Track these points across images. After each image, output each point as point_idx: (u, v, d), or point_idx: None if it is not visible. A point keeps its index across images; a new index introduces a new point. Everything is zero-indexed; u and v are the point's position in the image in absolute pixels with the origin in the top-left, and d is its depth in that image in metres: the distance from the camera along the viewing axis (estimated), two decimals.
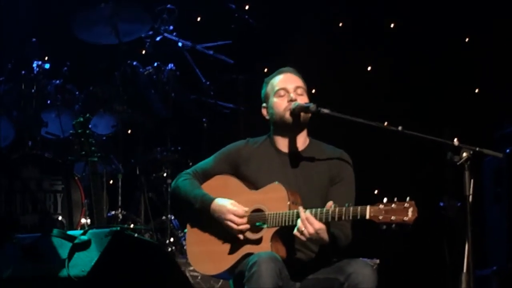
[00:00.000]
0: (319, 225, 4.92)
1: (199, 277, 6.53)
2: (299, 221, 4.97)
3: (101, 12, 7.89)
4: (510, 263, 6.76)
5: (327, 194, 5.19)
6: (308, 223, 4.92)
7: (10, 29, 8.31)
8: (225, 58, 8.23)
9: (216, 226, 5.26)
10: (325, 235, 5.01)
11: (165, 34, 8.10)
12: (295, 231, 4.96)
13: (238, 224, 5.14)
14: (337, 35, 9.09)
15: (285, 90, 5.38)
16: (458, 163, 4.99)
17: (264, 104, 5.46)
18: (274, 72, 5.49)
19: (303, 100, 5.36)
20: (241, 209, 5.18)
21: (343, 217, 4.94)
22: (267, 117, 5.46)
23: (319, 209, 4.95)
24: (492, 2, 8.91)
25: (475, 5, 8.85)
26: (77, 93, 7.99)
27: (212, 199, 5.22)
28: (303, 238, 4.96)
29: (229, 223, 5.15)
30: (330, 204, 4.95)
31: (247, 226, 5.15)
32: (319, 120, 5.39)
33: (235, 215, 5.14)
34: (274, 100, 5.39)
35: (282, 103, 5.35)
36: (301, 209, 4.97)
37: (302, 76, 5.48)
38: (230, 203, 5.18)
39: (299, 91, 5.39)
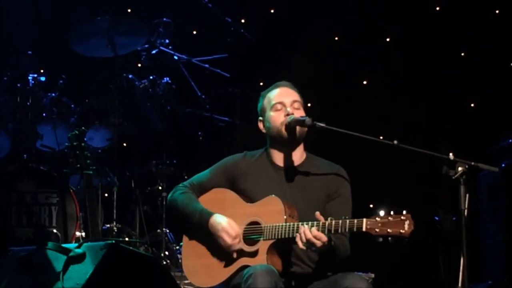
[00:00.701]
0: (325, 239, 4.94)
1: None
2: (298, 235, 5.00)
3: (97, 25, 7.89)
4: (506, 277, 6.76)
5: (324, 209, 5.19)
6: (317, 240, 4.94)
7: (5, 42, 8.31)
8: (221, 72, 8.23)
9: (213, 239, 5.27)
10: (329, 248, 5.04)
11: (161, 47, 8.11)
12: (301, 245, 4.97)
13: (230, 245, 5.15)
14: (333, 49, 9.10)
15: (282, 104, 5.38)
16: (453, 177, 5.00)
17: (260, 118, 5.47)
18: (270, 86, 5.50)
19: (299, 114, 5.37)
20: (234, 230, 5.18)
21: (339, 230, 4.95)
22: (264, 131, 5.46)
23: (315, 222, 4.96)
24: (487, 19, 8.94)
25: (470, 22, 8.88)
26: (72, 106, 7.99)
27: (210, 215, 5.23)
28: (309, 251, 5.00)
29: (222, 242, 5.17)
30: (318, 215, 4.97)
31: (240, 245, 5.16)
32: (316, 135, 5.40)
33: (228, 234, 5.15)
34: (271, 114, 5.39)
35: (278, 117, 5.36)
36: (304, 226, 4.98)
37: (298, 90, 5.49)
38: (226, 222, 5.19)
39: (296, 105, 5.40)
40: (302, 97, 5.48)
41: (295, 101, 5.42)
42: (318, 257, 5.20)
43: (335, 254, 5.15)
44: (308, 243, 4.94)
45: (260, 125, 5.47)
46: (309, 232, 4.94)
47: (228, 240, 5.14)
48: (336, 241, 5.13)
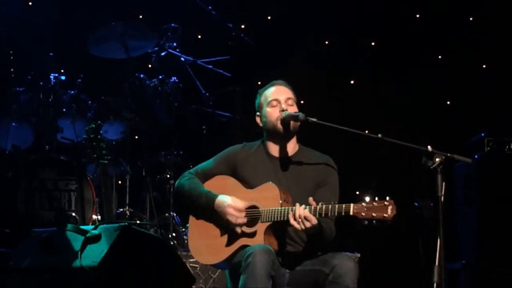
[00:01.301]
0: (315, 221, 4.96)
1: (198, 268, 6.52)
2: (291, 213, 5.01)
3: (112, 30, 7.88)
4: (478, 257, 6.76)
5: (314, 195, 5.19)
6: (306, 220, 4.95)
7: (29, 45, 8.30)
8: (223, 72, 8.23)
9: (216, 220, 5.28)
10: (317, 229, 5.05)
11: (169, 50, 8.11)
12: (293, 221, 4.99)
13: (236, 217, 5.16)
14: (324, 52, 9.10)
15: (277, 101, 5.40)
16: (431, 167, 4.99)
17: (258, 113, 5.49)
18: (267, 85, 5.51)
19: (293, 110, 5.39)
20: (240, 204, 5.19)
21: (329, 213, 4.96)
22: (261, 125, 5.48)
23: (308, 206, 4.97)
24: (462, 26, 8.94)
25: (447, 28, 8.88)
26: (89, 102, 7.99)
27: (216, 196, 5.24)
28: (298, 227, 5.00)
29: (229, 216, 5.17)
30: (311, 200, 4.99)
31: (245, 219, 5.17)
32: (307, 128, 5.40)
33: (234, 209, 5.16)
34: (267, 109, 5.41)
35: (274, 113, 5.38)
36: (298, 206, 4.99)
37: (292, 88, 5.50)
38: (230, 199, 5.20)
39: (290, 102, 5.41)
40: (295, 94, 5.49)
41: (289, 98, 5.43)
42: (307, 237, 5.22)
43: (323, 236, 5.17)
44: (300, 222, 4.96)
45: (258, 119, 5.49)
46: (303, 211, 4.95)
47: (235, 213, 5.15)
48: (324, 224, 5.14)
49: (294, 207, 5.02)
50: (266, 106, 5.42)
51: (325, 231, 5.17)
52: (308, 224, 4.96)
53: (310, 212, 4.97)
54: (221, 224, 5.25)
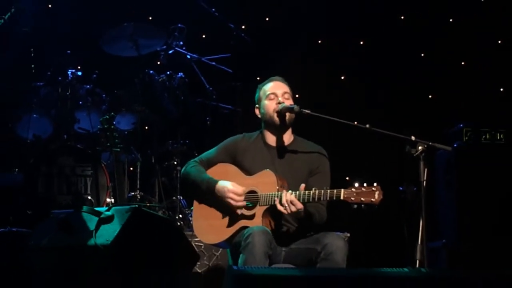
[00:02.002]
0: (300, 206, 4.95)
1: (202, 246, 6.51)
2: (283, 198, 5.00)
3: (124, 30, 7.86)
4: (457, 236, 6.76)
5: (308, 181, 5.19)
6: (292, 204, 4.95)
7: (49, 43, 8.28)
8: (225, 68, 8.21)
9: (218, 204, 5.28)
10: (302, 213, 5.05)
11: (176, 48, 8.08)
12: (280, 207, 4.98)
13: (236, 201, 5.16)
14: (317, 51, 9.09)
15: (275, 94, 5.41)
16: (414, 155, 5.00)
17: (257, 105, 5.50)
18: (266, 80, 5.52)
19: (289, 102, 5.41)
20: (239, 188, 5.19)
21: (322, 198, 4.96)
22: (259, 116, 5.49)
23: (301, 192, 4.97)
24: (442, 26, 8.94)
25: (428, 28, 8.87)
26: (103, 96, 7.97)
27: (216, 182, 5.24)
28: (285, 212, 4.99)
29: (229, 200, 5.17)
30: (302, 186, 5.00)
31: (244, 202, 5.16)
32: (302, 120, 5.39)
33: (234, 193, 5.16)
34: (265, 102, 5.41)
35: (271, 105, 5.39)
36: (285, 192, 4.99)
37: (288, 84, 5.51)
38: (230, 184, 5.20)
39: (286, 95, 5.42)
40: (291, 89, 5.49)
41: (285, 92, 5.44)
42: (300, 220, 5.22)
43: (311, 219, 5.18)
44: (286, 207, 4.96)
45: (257, 111, 5.49)
46: (289, 196, 4.95)
47: (235, 197, 5.16)
48: (312, 209, 5.14)
49: (283, 192, 5.02)
50: (264, 99, 5.43)
51: (313, 216, 5.17)
52: (293, 208, 4.96)
53: (300, 197, 4.97)
54: (222, 207, 5.25)
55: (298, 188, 5.03)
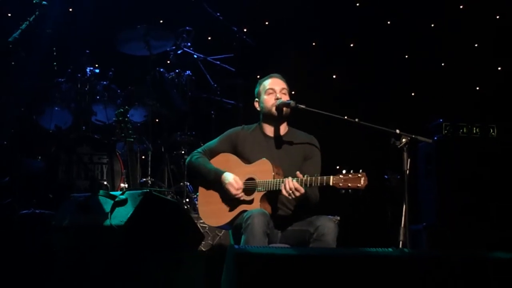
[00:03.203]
0: (303, 191, 4.98)
1: (207, 228, 6.52)
2: (283, 185, 5.00)
3: (137, 32, 7.85)
4: (436, 220, 6.77)
5: (301, 169, 5.19)
6: (296, 190, 4.96)
7: (69, 44, 8.28)
8: (228, 67, 8.21)
9: (221, 191, 5.28)
10: (304, 196, 5.05)
11: (184, 49, 8.07)
12: (285, 193, 4.99)
13: (234, 194, 5.16)
14: (311, 51, 9.09)
15: (273, 90, 5.41)
16: (399, 146, 4.99)
17: (256, 99, 5.50)
18: (265, 76, 5.52)
19: (285, 98, 5.40)
20: (238, 183, 5.19)
21: (313, 184, 4.97)
22: (258, 109, 5.49)
23: (294, 178, 4.98)
24: (425, 32, 8.94)
25: (412, 32, 8.87)
26: (119, 91, 7.97)
27: (222, 173, 5.24)
28: (289, 197, 5.01)
29: (229, 192, 5.18)
30: (299, 174, 5.00)
31: (241, 194, 5.17)
32: (297, 113, 5.39)
33: (234, 187, 5.16)
34: (264, 97, 5.41)
35: (270, 100, 5.39)
36: (289, 179, 4.99)
37: (285, 81, 5.50)
38: (232, 178, 5.21)
39: (283, 91, 5.42)
40: (288, 85, 5.49)
41: (283, 88, 5.44)
42: (296, 203, 5.22)
43: (309, 201, 5.18)
44: (290, 192, 4.97)
45: (256, 104, 5.49)
46: (293, 183, 4.96)
47: (233, 191, 5.16)
48: (310, 192, 5.15)
49: (284, 179, 5.03)
50: (263, 94, 5.43)
51: (310, 197, 5.19)
52: (297, 194, 4.98)
53: (298, 183, 4.98)
54: (225, 194, 5.26)
55: (293, 174, 5.04)
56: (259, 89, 5.48)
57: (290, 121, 5.51)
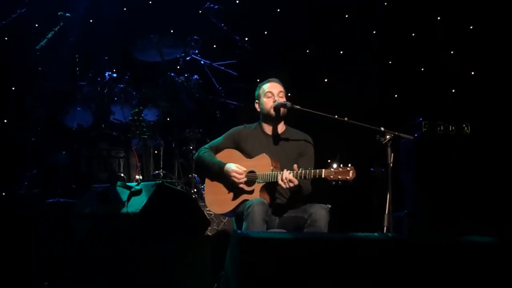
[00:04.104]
0: (296, 182, 5.01)
1: (212, 215, 6.52)
2: (279, 176, 5.02)
3: (150, 41, 7.86)
4: (416, 208, 6.76)
5: (296, 163, 5.20)
6: (290, 181, 4.95)
7: (90, 51, 8.27)
8: (231, 72, 8.20)
9: (225, 182, 5.30)
10: (298, 187, 5.05)
11: (192, 56, 8.07)
12: (281, 183, 5.01)
13: (239, 179, 5.18)
14: (306, 58, 9.08)
15: (271, 93, 5.42)
16: (383, 143, 5.01)
17: (256, 101, 5.51)
18: (264, 81, 5.53)
19: (283, 100, 5.40)
20: (241, 168, 5.21)
21: (307, 176, 4.99)
22: (258, 110, 5.50)
23: (291, 171, 4.99)
24: (405, 39, 8.93)
25: (393, 40, 8.86)
26: (134, 93, 7.95)
27: (225, 164, 5.25)
28: (284, 187, 5.03)
29: (233, 178, 5.19)
30: (295, 167, 5.03)
31: (245, 179, 5.19)
32: (294, 114, 5.41)
33: (237, 173, 5.18)
34: (264, 99, 5.43)
35: (269, 102, 5.41)
36: (286, 171, 5.01)
37: (283, 84, 5.52)
38: (235, 166, 5.23)
39: (281, 94, 5.44)
40: (285, 88, 5.51)
41: (280, 92, 5.45)
42: (290, 193, 5.23)
43: (301, 192, 5.20)
44: (285, 182, 4.99)
45: (256, 106, 5.52)
46: (288, 175, 4.98)
47: (237, 175, 5.20)
48: (303, 184, 5.16)
49: (282, 172, 5.05)
50: (263, 96, 5.44)
51: (303, 189, 5.20)
52: (291, 184, 5.00)
53: (293, 175, 4.99)
54: (228, 185, 5.28)
55: (289, 167, 5.06)
56: (259, 92, 5.50)
57: (288, 120, 5.52)
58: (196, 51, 8.11)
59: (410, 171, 6.94)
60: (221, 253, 5.62)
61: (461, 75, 8.74)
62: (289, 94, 5.68)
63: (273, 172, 5.13)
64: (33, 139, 7.56)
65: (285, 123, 5.53)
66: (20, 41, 7.94)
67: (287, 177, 5.01)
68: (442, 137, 6.88)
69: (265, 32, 9.15)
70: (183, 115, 8.07)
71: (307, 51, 9.18)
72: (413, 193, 6.83)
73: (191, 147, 7.87)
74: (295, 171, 5.02)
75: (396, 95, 9.07)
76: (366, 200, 7.37)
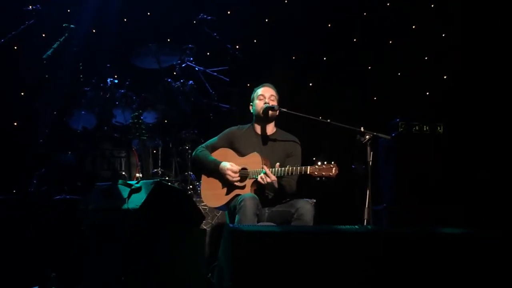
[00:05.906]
0: (273, 178, 5.01)
1: (207, 209, 6.51)
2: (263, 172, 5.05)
3: (149, 49, 7.83)
4: (394, 202, 6.78)
5: (285, 162, 5.21)
6: (267, 177, 4.96)
7: (93, 59, 8.25)
8: (224, 78, 8.19)
9: (220, 178, 5.30)
10: (276, 184, 5.10)
11: (188, 63, 8.05)
12: (259, 179, 5.03)
13: (232, 177, 5.18)
14: (294, 64, 9.09)
15: (263, 96, 5.45)
16: (363, 142, 5.01)
17: (251, 103, 5.52)
18: (259, 85, 5.56)
19: (273, 103, 5.43)
20: (234, 168, 5.21)
21: (293, 173, 4.99)
22: (251, 111, 5.51)
23: (278, 168, 5.00)
24: (383, 45, 8.94)
25: (373, 47, 8.87)
26: (134, 97, 7.92)
27: (220, 162, 5.25)
28: (262, 182, 5.06)
29: (228, 176, 5.18)
30: (277, 165, 5.07)
31: (238, 178, 5.19)
32: (284, 116, 5.41)
33: (231, 171, 5.18)
34: (256, 102, 5.45)
35: (260, 105, 5.49)
36: (265, 167, 5.02)
37: (275, 89, 5.54)
38: (229, 164, 5.23)
39: (272, 98, 5.46)
40: (278, 92, 5.54)
41: (271, 95, 5.48)
42: (273, 190, 5.24)
43: (283, 190, 5.22)
44: (262, 178, 4.98)
45: (250, 108, 5.54)
46: (266, 171, 4.98)
47: (231, 174, 5.19)
48: (285, 183, 5.18)
49: (271, 169, 5.06)
50: (256, 99, 5.48)
51: (284, 187, 5.22)
52: (268, 180, 5.01)
53: (277, 173, 5.03)
54: (223, 181, 5.27)
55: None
56: (253, 95, 5.52)
57: (279, 122, 5.53)
58: (191, 59, 8.09)
59: (388, 168, 6.97)
60: (215, 245, 5.61)
61: (434, 79, 8.77)
62: (279, 98, 5.67)
63: (263, 169, 5.13)
64: (41, 140, 7.53)
65: (275, 125, 5.55)
66: (29, 50, 7.90)
67: (264, 175, 5.04)
68: (417, 136, 6.91)
69: (255, 41, 9.14)
70: (180, 118, 8.05)
71: (293, 57, 9.18)
72: (391, 188, 6.86)
73: (187, 147, 7.86)
74: (277, 168, 5.04)
75: (375, 98, 9.09)
76: (348, 195, 7.39)
